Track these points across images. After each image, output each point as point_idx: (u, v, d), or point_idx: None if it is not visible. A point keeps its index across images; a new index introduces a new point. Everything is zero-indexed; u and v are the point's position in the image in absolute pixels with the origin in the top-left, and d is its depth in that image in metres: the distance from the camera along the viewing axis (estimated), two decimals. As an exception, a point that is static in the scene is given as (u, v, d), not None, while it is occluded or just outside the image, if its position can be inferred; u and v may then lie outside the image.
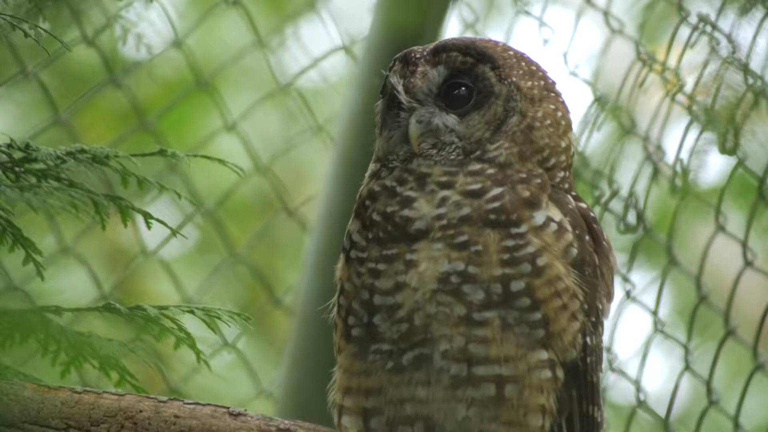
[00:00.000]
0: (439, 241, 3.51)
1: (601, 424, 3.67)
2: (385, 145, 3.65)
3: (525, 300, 3.48)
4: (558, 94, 3.65)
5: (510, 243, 3.49)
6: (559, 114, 3.62)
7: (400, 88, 3.61)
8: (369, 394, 3.55)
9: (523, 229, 3.51)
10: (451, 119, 3.60)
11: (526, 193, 3.54)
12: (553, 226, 3.54)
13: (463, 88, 3.61)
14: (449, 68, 3.60)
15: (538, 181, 3.57)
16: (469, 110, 3.60)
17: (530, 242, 3.50)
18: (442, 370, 3.49)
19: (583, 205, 3.67)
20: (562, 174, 3.62)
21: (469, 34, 6.06)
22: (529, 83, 3.61)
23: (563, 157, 3.62)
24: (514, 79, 3.60)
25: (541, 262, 3.50)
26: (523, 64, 3.63)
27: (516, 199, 3.53)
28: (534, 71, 3.64)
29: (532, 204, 3.54)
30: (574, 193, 3.68)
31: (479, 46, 3.62)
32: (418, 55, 3.62)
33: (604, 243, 3.67)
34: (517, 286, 3.48)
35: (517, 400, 3.49)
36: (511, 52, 3.64)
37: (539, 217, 3.53)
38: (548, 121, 3.60)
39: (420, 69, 3.61)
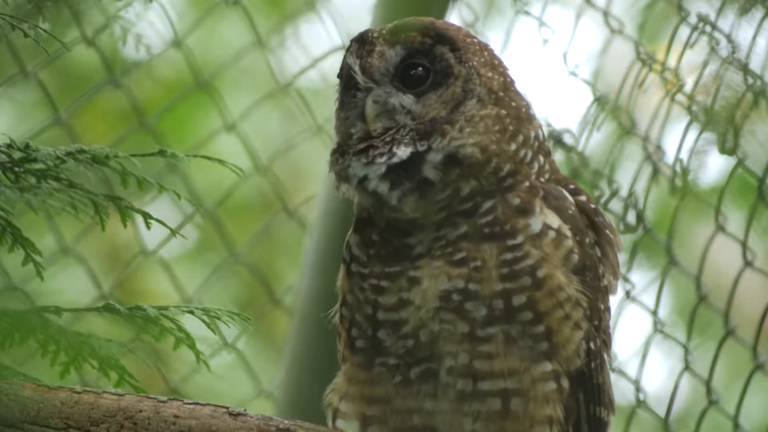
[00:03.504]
0: (439, 258, 3.49)
1: (608, 422, 3.67)
2: (342, 126, 3.60)
3: (527, 314, 3.47)
4: (511, 99, 3.57)
5: (508, 256, 3.47)
6: (508, 121, 3.54)
7: (356, 68, 3.56)
8: (372, 402, 3.54)
9: (519, 239, 3.48)
10: (407, 99, 3.54)
11: (517, 200, 3.51)
12: (551, 234, 3.51)
13: (420, 69, 3.55)
14: (407, 48, 3.55)
15: (527, 184, 3.54)
16: (426, 90, 3.54)
17: (529, 254, 3.47)
18: (447, 386, 3.48)
19: (583, 198, 3.63)
20: (536, 166, 3.56)
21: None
22: (490, 73, 3.56)
23: (523, 152, 3.54)
24: (474, 63, 3.55)
25: (541, 273, 3.48)
26: (486, 54, 3.59)
27: (507, 208, 3.50)
28: (496, 65, 3.59)
29: (525, 211, 3.50)
30: (572, 186, 3.65)
31: (439, 27, 3.58)
32: (375, 35, 3.57)
33: (607, 232, 3.65)
34: (518, 300, 3.46)
35: (523, 413, 3.48)
36: (475, 40, 3.60)
37: (535, 225, 3.50)
38: (497, 127, 3.52)
39: (378, 49, 3.56)
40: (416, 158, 3.48)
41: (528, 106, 3.60)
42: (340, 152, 3.57)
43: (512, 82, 3.61)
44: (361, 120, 3.56)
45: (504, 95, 3.56)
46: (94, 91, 6.20)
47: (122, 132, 6.23)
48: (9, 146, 3.68)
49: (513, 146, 3.52)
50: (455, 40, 3.56)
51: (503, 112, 3.53)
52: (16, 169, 3.66)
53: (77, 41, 5.94)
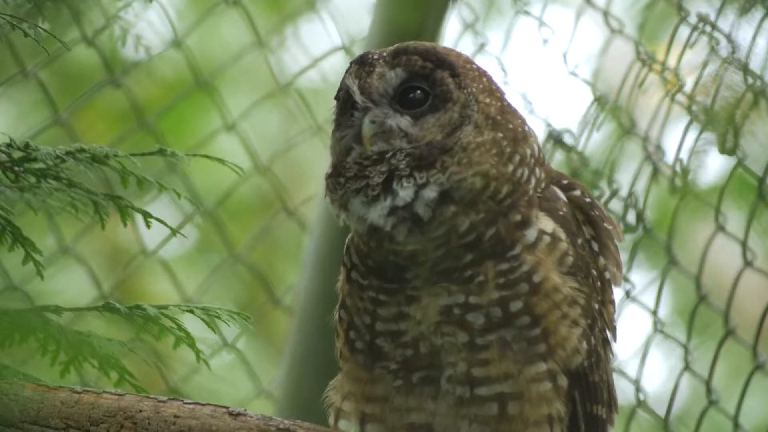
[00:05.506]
0: (441, 280, 3.48)
1: (610, 420, 3.66)
2: (337, 146, 3.59)
3: (525, 318, 3.47)
4: (508, 121, 3.56)
5: (505, 266, 3.47)
6: (504, 143, 3.52)
7: (355, 88, 3.54)
8: (372, 401, 3.54)
9: (517, 250, 3.48)
10: (404, 121, 3.52)
11: (518, 217, 3.50)
12: (546, 239, 3.51)
13: (419, 92, 3.53)
14: (408, 71, 3.54)
15: (526, 198, 3.53)
16: (424, 112, 3.52)
17: (524, 261, 3.48)
18: (447, 392, 3.49)
19: (577, 192, 3.63)
20: (534, 181, 3.55)
21: (468, 34, 6.07)
22: (488, 100, 3.55)
23: (520, 171, 3.53)
24: (473, 90, 3.54)
25: (537, 278, 3.48)
26: (485, 80, 3.58)
27: (509, 226, 3.49)
28: (494, 90, 3.58)
29: (524, 224, 3.50)
30: (565, 181, 3.64)
31: (440, 52, 3.57)
32: (376, 56, 3.56)
33: (605, 225, 3.65)
34: (515, 306, 3.46)
35: (519, 415, 3.48)
36: (474, 66, 3.59)
37: (531, 234, 3.50)
38: (494, 151, 3.51)
39: (378, 70, 3.54)
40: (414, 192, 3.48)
41: (523, 124, 3.60)
42: (335, 177, 3.55)
43: (509, 105, 3.61)
44: (356, 141, 3.54)
45: (501, 119, 3.55)
46: (94, 91, 6.21)
47: (122, 132, 6.24)
48: (9, 146, 3.68)
49: (510, 167, 3.52)
50: (455, 65, 3.55)
51: (500, 135, 3.53)
52: (16, 168, 3.66)
53: (77, 41, 5.94)
